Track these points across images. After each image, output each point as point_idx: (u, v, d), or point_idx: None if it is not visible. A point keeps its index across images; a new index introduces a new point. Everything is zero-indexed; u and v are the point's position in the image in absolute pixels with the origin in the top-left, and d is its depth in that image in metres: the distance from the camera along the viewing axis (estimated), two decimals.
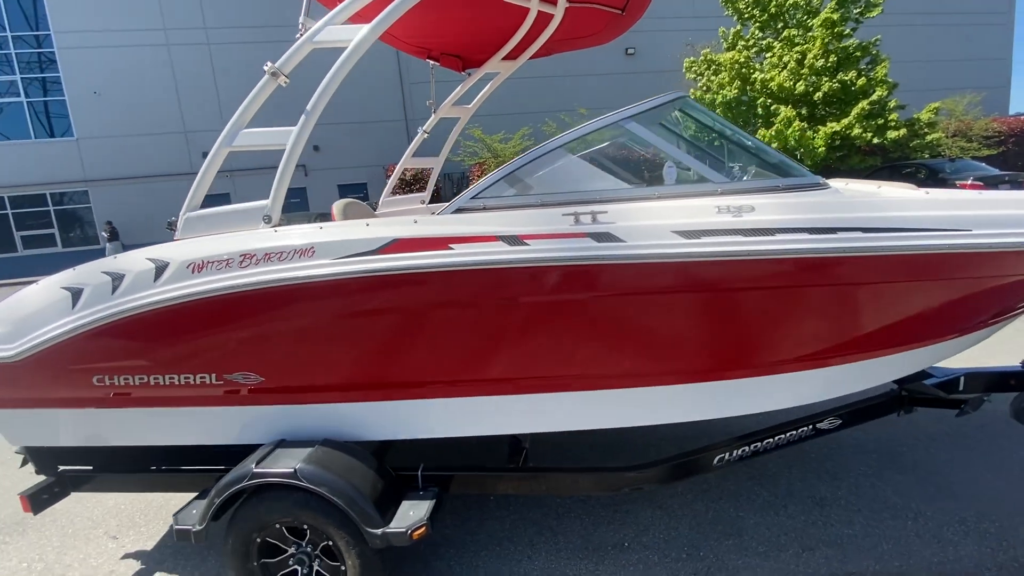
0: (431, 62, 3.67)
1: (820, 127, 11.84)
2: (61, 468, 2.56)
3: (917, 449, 3.10)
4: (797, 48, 12.01)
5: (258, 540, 2.09)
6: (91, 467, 2.57)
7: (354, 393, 2.14)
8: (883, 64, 12.10)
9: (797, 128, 11.42)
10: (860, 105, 11.32)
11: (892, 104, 11.62)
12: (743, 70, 12.46)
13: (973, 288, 1.95)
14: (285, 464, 1.99)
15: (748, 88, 12.62)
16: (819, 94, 11.75)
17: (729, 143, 2.24)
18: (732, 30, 13.51)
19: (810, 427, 2.41)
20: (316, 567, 2.11)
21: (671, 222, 1.75)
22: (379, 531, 1.94)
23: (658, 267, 1.74)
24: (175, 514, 2.17)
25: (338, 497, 1.94)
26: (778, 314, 1.88)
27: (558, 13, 3.16)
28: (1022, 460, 2.93)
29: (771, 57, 12.56)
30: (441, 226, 1.86)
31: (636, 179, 2.09)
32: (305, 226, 1.98)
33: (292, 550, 2.11)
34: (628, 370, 2.01)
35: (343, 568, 2.06)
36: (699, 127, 2.48)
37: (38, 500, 2.44)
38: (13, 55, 18.74)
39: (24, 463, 2.59)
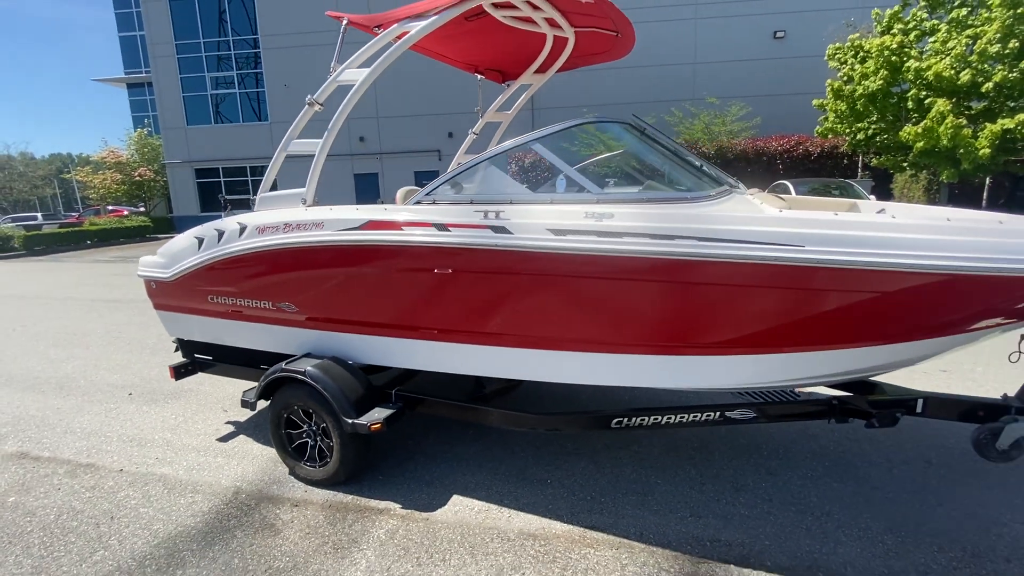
0: (478, 75, 4.41)
1: (987, 124, 10.02)
2: (196, 355, 3.90)
3: (877, 467, 3.14)
4: (968, 31, 10.24)
5: (285, 415, 3.12)
6: (211, 357, 3.87)
7: (351, 327, 3.03)
8: None
9: (951, 125, 9.81)
10: None
11: None
12: (893, 58, 10.96)
13: (839, 300, 2.18)
14: (301, 366, 2.97)
15: (899, 78, 11.07)
16: (989, 85, 9.93)
17: (635, 159, 2.63)
18: (889, 11, 11.88)
19: (718, 414, 2.73)
20: (319, 443, 3.09)
21: (548, 222, 2.30)
22: (350, 421, 2.83)
23: (531, 255, 2.31)
24: (243, 393, 3.31)
25: (328, 392, 2.86)
26: (624, 303, 2.31)
27: (570, 36, 3.67)
28: (975, 499, 2.85)
29: (934, 43, 10.86)
30: (400, 213, 2.64)
31: (536, 186, 2.63)
32: (323, 207, 2.90)
33: (305, 428, 3.11)
34: (533, 335, 2.60)
35: (331, 444, 3.00)
36: (608, 144, 2.89)
37: (179, 372, 3.78)
38: (232, 56, 23.57)
39: (176, 349, 4.00)
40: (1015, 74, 9.80)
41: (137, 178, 27.20)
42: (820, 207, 3.32)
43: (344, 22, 3.07)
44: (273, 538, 2.64)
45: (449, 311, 2.70)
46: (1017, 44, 9.71)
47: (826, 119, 13.01)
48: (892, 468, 3.12)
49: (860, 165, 14.43)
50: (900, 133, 11.00)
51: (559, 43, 3.81)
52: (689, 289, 2.21)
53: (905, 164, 12.28)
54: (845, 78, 12.39)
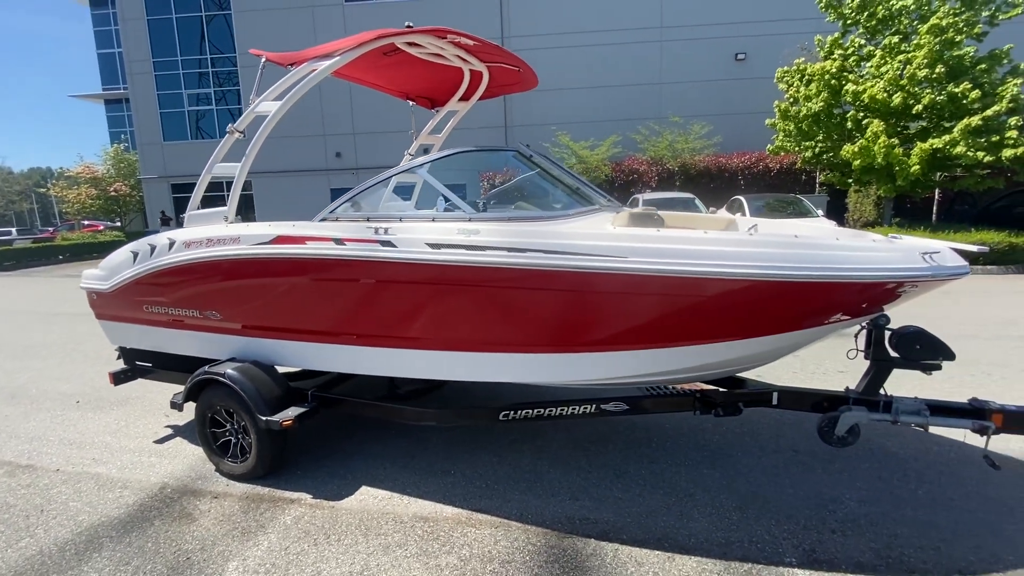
0: (410, 102, 4.77)
1: (918, 143, 10.68)
2: (137, 362, 4.14)
3: (748, 456, 3.48)
4: (900, 57, 10.95)
5: (209, 415, 3.39)
6: (151, 364, 4.11)
7: (272, 333, 3.32)
8: (1012, 81, 10.51)
9: (884, 144, 10.45)
10: (965, 120, 10.03)
11: (1015, 121, 10.09)
12: (833, 81, 11.65)
13: (669, 303, 2.53)
14: (222, 369, 3.25)
15: (837, 101, 11.75)
16: (919, 107, 10.61)
17: (524, 182, 3.00)
18: (830, 38, 12.63)
19: (594, 407, 3.06)
20: (241, 440, 3.35)
21: (427, 237, 2.64)
22: (264, 418, 3.11)
23: (412, 265, 2.64)
24: (173, 395, 3.57)
25: (245, 392, 3.14)
26: (492, 307, 2.65)
27: (483, 70, 4.06)
28: (823, 482, 3.21)
29: (870, 67, 11.57)
30: (305, 229, 2.96)
31: (421, 206, 2.97)
32: (242, 224, 3.21)
33: (228, 427, 3.37)
34: (425, 337, 2.92)
35: (250, 441, 3.27)
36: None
37: (119, 377, 4.02)
38: (211, 73, 23.88)
39: (119, 357, 4.23)
40: (942, 97, 10.51)
41: (113, 193, 27.16)
42: (698, 224, 3.72)
43: (263, 60, 3.41)
44: (188, 525, 2.90)
45: (351, 317, 3.01)
46: (943, 69, 10.42)
47: (777, 138, 13.68)
48: (761, 456, 3.48)
49: (818, 181, 15.12)
50: (841, 151, 11.65)
51: (476, 75, 4.20)
52: (541, 294, 2.56)
53: (850, 181, 12.94)
54: (791, 100, 13.08)
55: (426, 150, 5.10)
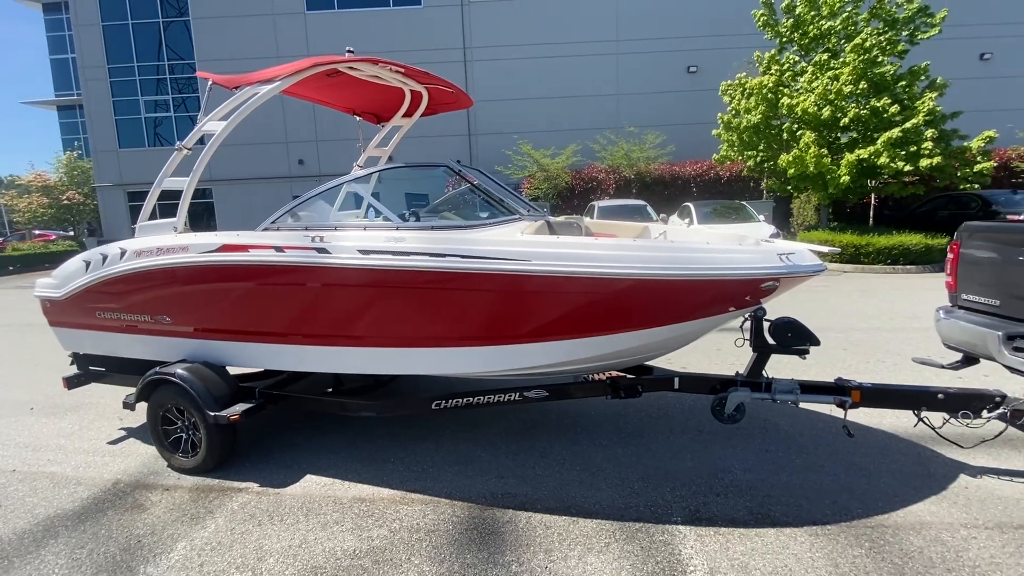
0: (357, 117, 5.09)
1: (847, 153, 11.56)
2: (91, 367, 4.31)
3: (660, 436, 3.91)
4: (829, 73, 11.85)
5: (161, 413, 3.61)
6: (104, 368, 4.28)
7: (221, 335, 3.58)
8: (928, 95, 11.51)
9: (814, 154, 11.29)
10: (887, 133, 10.94)
11: (930, 133, 11.06)
12: (769, 95, 12.49)
13: (572, 300, 2.91)
14: (173, 369, 3.48)
15: (775, 113, 12.60)
16: (845, 120, 11.50)
17: (453, 195, 3.36)
18: (768, 54, 13.51)
19: (517, 394, 3.42)
20: (191, 436, 3.58)
21: (358, 244, 2.97)
22: (212, 414, 3.36)
23: (344, 270, 2.96)
24: (125, 396, 3.77)
25: (194, 390, 3.38)
26: (418, 306, 3.00)
27: (422, 91, 4.41)
28: (719, 455, 3.66)
29: (803, 82, 12.45)
30: (249, 238, 3.24)
31: (353, 216, 3.30)
32: (191, 233, 3.47)
33: (179, 424, 3.60)
34: (362, 335, 3.24)
35: (200, 436, 3.51)
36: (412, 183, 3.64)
37: (72, 382, 4.18)
38: (168, 80, 23.51)
39: (72, 363, 4.38)
40: (865, 111, 11.42)
41: (66, 201, 26.32)
42: (619, 231, 4.15)
43: (210, 83, 3.68)
44: (140, 514, 3.12)
45: (294, 319, 3.30)
46: (866, 85, 11.33)
47: (722, 148, 14.48)
48: (671, 436, 3.91)
49: (762, 188, 16.03)
50: (778, 160, 12.47)
51: (416, 94, 4.55)
52: (459, 294, 2.91)
53: (789, 188, 13.82)
54: (734, 112, 13.90)
55: (374, 162, 5.41)
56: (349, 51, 3.78)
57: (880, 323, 7.07)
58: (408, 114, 4.86)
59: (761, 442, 3.76)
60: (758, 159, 13.74)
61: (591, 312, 2.96)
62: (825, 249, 3.22)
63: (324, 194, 3.30)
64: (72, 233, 29.00)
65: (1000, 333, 3.38)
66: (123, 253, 3.60)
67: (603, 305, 2.94)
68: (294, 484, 3.40)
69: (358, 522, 2.95)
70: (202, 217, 24.17)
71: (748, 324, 3.36)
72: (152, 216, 3.72)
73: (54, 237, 27.93)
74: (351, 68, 3.77)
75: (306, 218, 3.30)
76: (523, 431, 4.06)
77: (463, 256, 2.81)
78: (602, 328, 3.05)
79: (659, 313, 3.03)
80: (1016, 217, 12.24)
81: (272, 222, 3.30)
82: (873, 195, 16.20)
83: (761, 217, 13.38)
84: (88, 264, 3.78)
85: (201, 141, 3.66)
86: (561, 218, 3.96)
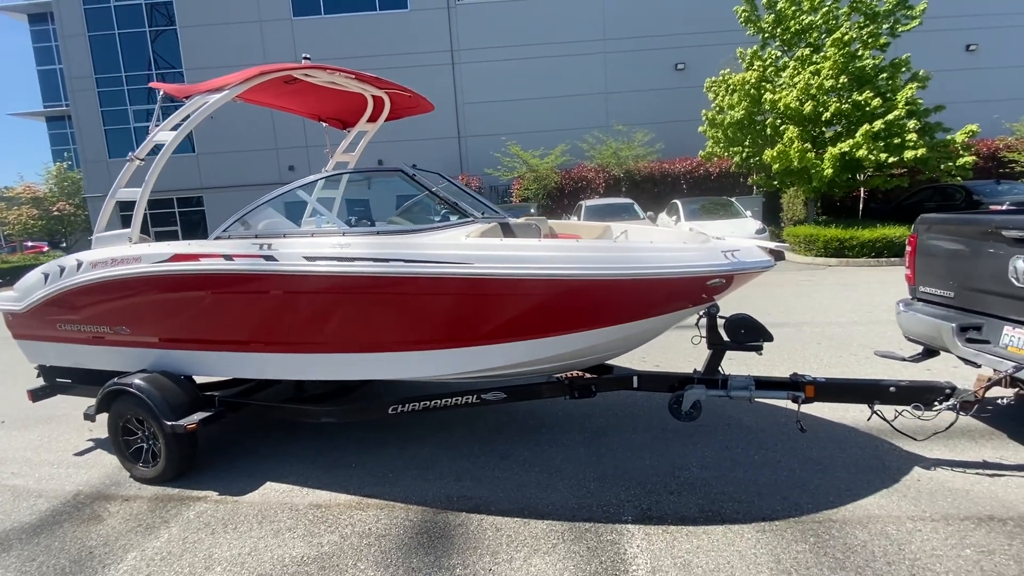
0: (323, 123, 5.09)
1: (829, 148, 11.59)
2: (57, 379, 4.31)
3: (621, 435, 3.91)
4: (811, 68, 11.87)
5: (121, 424, 3.61)
6: (70, 380, 4.28)
7: (179, 345, 3.58)
8: (910, 86, 11.54)
9: (798, 148, 11.31)
10: (866, 126, 10.96)
11: (913, 124, 11.07)
12: (752, 91, 12.51)
13: (520, 302, 2.92)
14: (130, 380, 3.48)
15: (758, 108, 12.63)
16: (827, 115, 11.53)
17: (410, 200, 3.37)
18: (750, 50, 13.54)
19: (475, 396, 3.42)
20: (152, 446, 3.58)
21: (304, 251, 2.98)
22: (170, 423, 3.36)
23: (291, 277, 2.97)
24: (86, 408, 3.77)
25: (151, 400, 3.39)
26: (366, 311, 3.01)
27: (384, 96, 4.42)
28: (677, 453, 3.66)
29: (785, 77, 12.48)
30: (199, 247, 3.25)
31: (301, 223, 3.31)
32: (144, 244, 3.47)
33: (139, 434, 3.60)
34: (315, 341, 3.25)
35: (160, 446, 3.51)
36: (361, 189, 3.65)
37: (37, 394, 4.18)
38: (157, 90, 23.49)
39: (38, 375, 4.38)
40: (846, 105, 11.44)
41: (56, 213, 26.32)
42: (581, 232, 4.17)
43: (160, 92, 3.69)
44: (96, 525, 3.13)
45: (251, 326, 3.31)
46: (847, 80, 11.35)
47: (708, 144, 14.51)
48: (633, 435, 3.91)
49: (749, 184, 16.06)
50: (763, 156, 12.49)
51: (379, 99, 4.55)
52: (405, 298, 2.92)
53: (775, 183, 13.84)
54: (718, 109, 13.92)
55: (343, 167, 5.41)
56: (306, 58, 3.79)
57: (857, 316, 7.08)
58: (372, 119, 4.86)
59: (723, 439, 3.76)
60: (744, 155, 13.77)
61: (540, 313, 2.96)
62: (773, 245, 3.23)
63: (273, 201, 3.31)
64: (64, 244, 29.00)
65: (954, 325, 3.39)
66: (80, 265, 3.61)
67: (551, 306, 2.94)
68: (253, 492, 3.40)
69: (311, 528, 2.95)
70: (198, 225, 24.18)
71: (704, 322, 3.37)
72: (111, 227, 3.72)
73: (46, 249, 27.93)
74: (306, 75, 3.78)
75: (256, 226, 3.31)
76: (487, 433, 4.06)
77: (406, 260, 2.82)
78: (555, 329, 3.06)
79: (608, 313, 3.04)
80: (999, 207, 12.24)
81: (224, 230, 3.31)
82: (862, 189, 16.25)
83: (748, 213, 13.41)
84: (47, 276, 3.79)
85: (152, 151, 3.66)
86: (521, 220, 3.97)
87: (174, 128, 3.45)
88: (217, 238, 3.31)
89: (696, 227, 12.75)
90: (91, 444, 4.35)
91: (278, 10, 22.61)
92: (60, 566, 2.75)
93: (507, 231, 3.70)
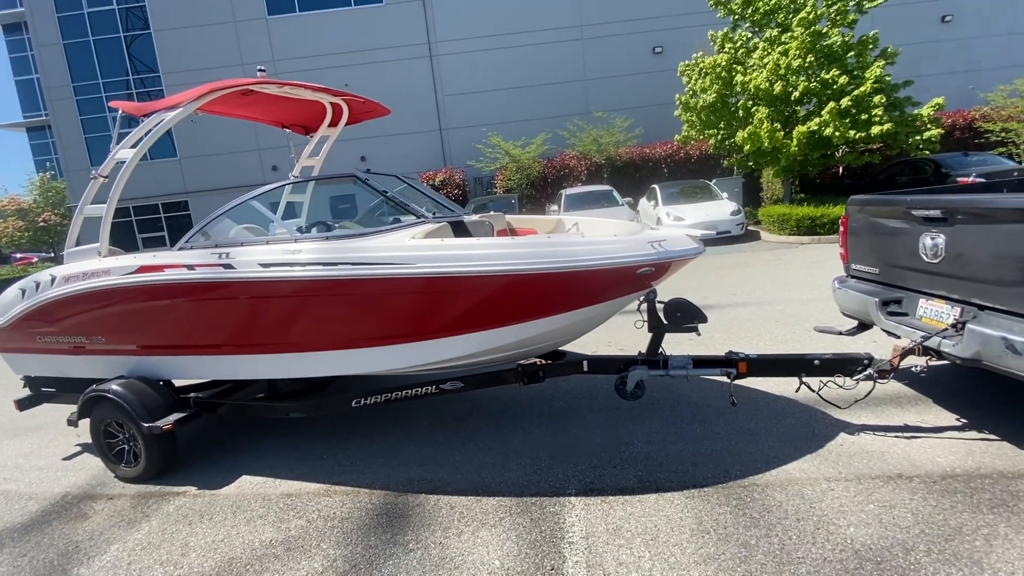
0: (286, 130, 5.26)
1: (797, 127, 11.77)
2: (43, 388, 4.51)
3: (577, 417, 4.14)
4: (780, 48, 12.01)
5: (103, 427, 3.83)
6: (54, 389, 4.49)
7: (149, 350, 3.79)
8: (878, 63, 11.69)
9: (767, 130, 11.50)
10: (832, 104, 11.14)
11: (878, 99, 11.26)
12: (723, 74, 12.66)
13: (469, 297, 3.13)
14: (108, 386, 3.70)
15: (731, 91, 12.79)
16: (796, 94, 11.70)
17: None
18: (721, 33, 13.65)
19: (434, 387, 3.64)
20: (132, 448, 3.80)
21: (260, 258, 3.18)
22: (147, 425, 3.58)
23: (247, 283, 3.18)
24: (69, 414, 3.98)
25: (128, 404, 3.60)
26: (322, 311, 3.22)
27: (341, 103, 4.59)
28: (626, 430, 3.91)
29: (755, 58, 12.63)
30: (164, 258, 3.45)
31: (257, 232, 3.52)
32: (113, 257, 3.67)
33: (120, 436, 3.82)
34: (278, 342, 3.46)
35: (140, 447, 3.73)
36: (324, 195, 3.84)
37: (23, 404, 4.39)
38: (134, 94, 23.40)
39: (24, 386, 4.59)
40: (814, 84, 11.61)
41: (42, 223, 26.30)
42: (538, 226, 4.37)
43: (119, 112, 3.86)
44: (82, 522, 3.36)
45: (218, 331, 3.52)
46: (814, 59, 11.51)
47: (684, 128, 14.67)
48: (588, 415, 4.16)
49: (724, 166, 16.25)
50: (735, 137, 12.67)
51: (336, 105, 4.72)
52: (355, 299, 3.13)
53: (750, 164, 14.05)
54: (691, 92, 14.06)
55: (308, 171, 5.58)
56: (261, 71, 3.96)
57: (818, 294, 7.32)
58: (333, 124, 5.03)
59: (669, 416, 4.01)
60: (719, 137, 13.94)
61: (485, 306, 3.18)
62: (699, 233, 3.45)
63: (230, 212, 3.51)
64: (52, 255, 29.00)
65: (877, 299, 3.63)
66: (53, 279, 3.80)
67: (494, 299, 3.16)
68: (230, 485, 3.64)
69: (280, 515, 3.19)
70: (186, 229, 24.10)
71: (644, 307, 3.59)
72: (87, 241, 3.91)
73: (35, 260, 27.93)
74: (261, 86, 3.95)
75: (215, 236, 3.51)
76: (451, 421, 4.30)
77: (353, 264, 3.03)
78: (502, 320, 3.27)
79: (549, 303, 3.26)
80: (965, 180, 12.44)
81: (186, 241, 3.50)
82: (841, 167, 16.46)
83: (724, 195, 13.62)
84: (24, 292, 3.98)
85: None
86: (475, 217, 4.17)
87: (133, 146, 3.63)
88: (180, 249, 3.51)
89: (673, 211, 12.96)
90: (78, 449, 4.57)
91: (253, 9, 22.48)
92: (48, 560, 2.99)
93: (459, 229, 3.91)
